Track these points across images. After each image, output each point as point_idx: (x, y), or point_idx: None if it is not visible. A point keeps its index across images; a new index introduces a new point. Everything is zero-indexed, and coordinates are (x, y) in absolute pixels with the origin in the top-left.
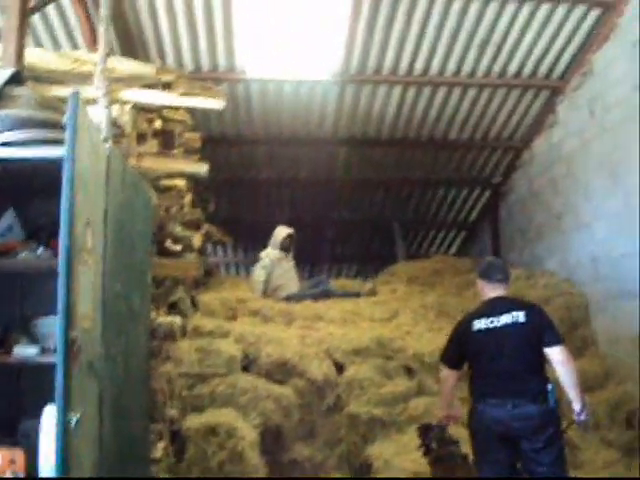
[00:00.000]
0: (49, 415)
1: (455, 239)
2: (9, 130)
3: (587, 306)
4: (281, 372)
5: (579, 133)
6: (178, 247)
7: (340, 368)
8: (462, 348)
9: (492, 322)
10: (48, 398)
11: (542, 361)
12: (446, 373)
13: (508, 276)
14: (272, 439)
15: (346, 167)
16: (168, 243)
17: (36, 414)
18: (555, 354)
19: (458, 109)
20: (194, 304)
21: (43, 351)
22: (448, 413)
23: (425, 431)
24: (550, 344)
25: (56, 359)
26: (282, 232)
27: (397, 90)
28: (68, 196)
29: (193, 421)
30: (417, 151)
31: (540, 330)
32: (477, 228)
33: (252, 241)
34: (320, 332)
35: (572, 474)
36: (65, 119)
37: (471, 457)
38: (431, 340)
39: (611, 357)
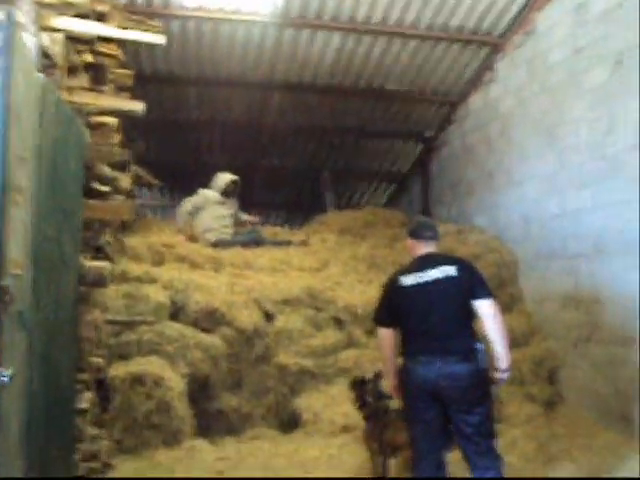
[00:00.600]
0: None
1: (385, 191)
2: None
3: (516, 264)
4: (209, 320)
5: (517, 92)
6: (106, 188)
7: (269, 318)
8: (392, 305)
9: (421, 277)
10: None
11: (472, 318)
12: (382, 333)
13: (437, 234)
14: (199, 389)
15: (280, 112)
16: (95, 184)
17: None
18: (485, 308)
19: (398, 60)
20: (120, 248)
21: None
22: (395, 381)
23: (360, 385)
24: (480, 298)
25: None
26: (226, 177)
27: (337, 37)
28: (1, 128)
29: (119, 370)
30: (353, 100)
31: (470, 285)
32: (407, 181)
33: (180, 184)
34: (249, 280)
35: (496, 428)
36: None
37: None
38: (362, 292)
39: (536, 315)
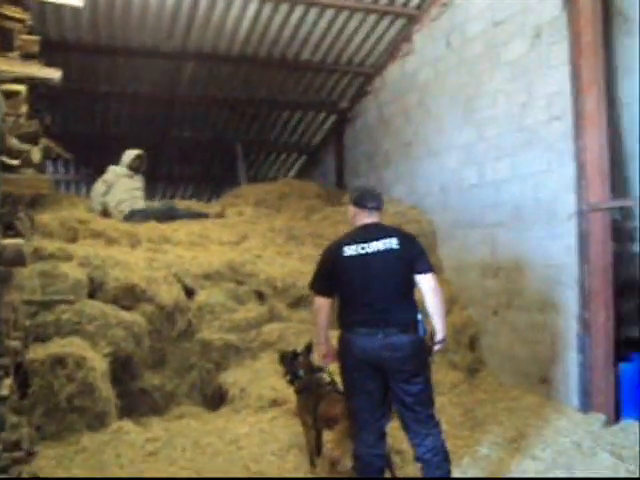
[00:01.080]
0: None
1: (295, 162)
2: None
3: (435, 234)
4: (129, 297)
5: (434, 64)
6: (15, 162)
7: (190, 293)
8: (332, 275)
9: (363, 248)
10: None
11: (413, 289)
12: (319, 302)
13: (381, 204)
14: (122, 368)
15: (191, 83)
16: (4, 157)
17: None
18: (426, 281)
19: (313, 30)
20: (31, 225)
21: None
22: (327, 349)
23: (290, 358)
24: (422, 271)
25: None
26: (132, 153)
27: (253, 5)
28: None
29: (37, 352)
30: (267, 71)
31: (412, 257)
32: (320, 152)
33: (87, 157)
34: (168, 255)
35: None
36: None
37: (338, 385)
38: (282, 264)
39: (456, 284)
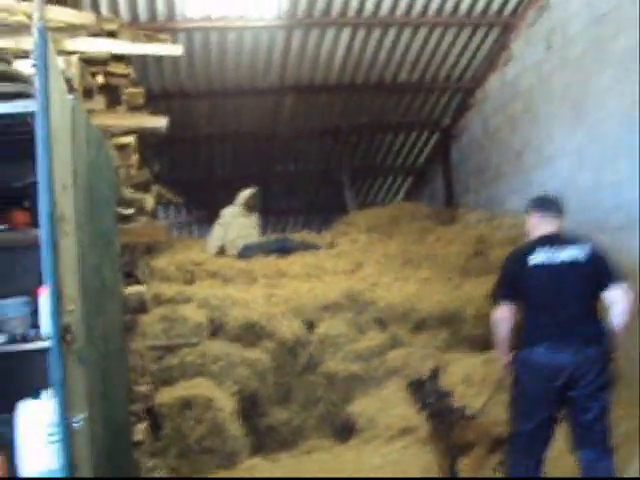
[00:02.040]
0: (26, 412)
1: (402, 185)
2: None
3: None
4: (250, 335)
5: (536, 68)
6: (130, 211)
7: (310, 325)
8: (517, 283)
9: (549, 258)
10: (12, 390)
11: (597, 300)
12: (501, 312)
13: (563, 210)
14: (248, 406)
15: (292, 117)
16: (119, 207)
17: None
18: (616, 294)
19: (408, 50)
20: (149, 271)
21: (11, 339)
22: (508, 359)
23: (417, 386)
24: (611, 283)
25: (51, 348)
26: (246, 192)
27: (346, 32)
28: (45, 155)
29: (165, 396)
30: (365, 96)
31: (599, 268)
32: (426, 172)
33: (196, 199)
34: (285, 289)
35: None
36: (33, 61)
37: (469, 409)
38: (400, 289)
39: None
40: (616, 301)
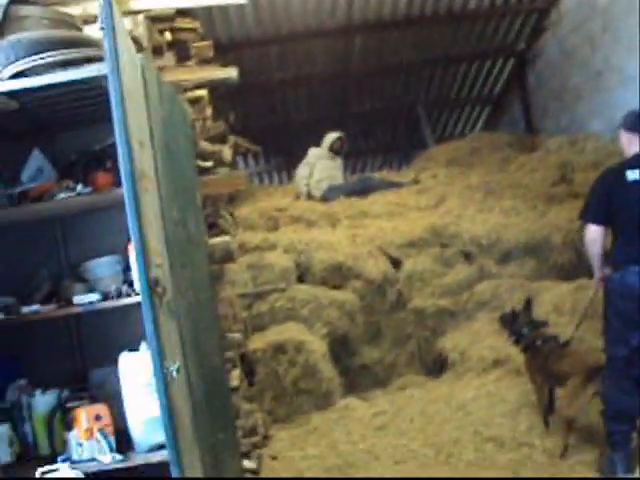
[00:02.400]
0: (126, 364)
1: (480, 115)
2: (28, 55)
3: None
4: (337, 277)
5: None
6: (209, 163)
7: (396, 263)
8: (611, 201)
9: None
10: (112, 345)
11: None
12: (593, 232)
13: None
14: (340, 347)
15: (363, 55)
16: (198, 160)
17: (102, 363)
18: None
19: None
20: (233, 220)
21: (104, 297)
22: (602, 274)
23: (512, 318)
24: None
25: (142, 301)
26: (332, 135)
27: None
28: (120, 115)
29: (258, 342)
30: (436, 28)
31: None
32: (503, 100)
33: (273, 147)
34: (369, 229)
35: None
36: (101, 24)
37: (562, 338)
38: (484, 221)
39: None
40: None
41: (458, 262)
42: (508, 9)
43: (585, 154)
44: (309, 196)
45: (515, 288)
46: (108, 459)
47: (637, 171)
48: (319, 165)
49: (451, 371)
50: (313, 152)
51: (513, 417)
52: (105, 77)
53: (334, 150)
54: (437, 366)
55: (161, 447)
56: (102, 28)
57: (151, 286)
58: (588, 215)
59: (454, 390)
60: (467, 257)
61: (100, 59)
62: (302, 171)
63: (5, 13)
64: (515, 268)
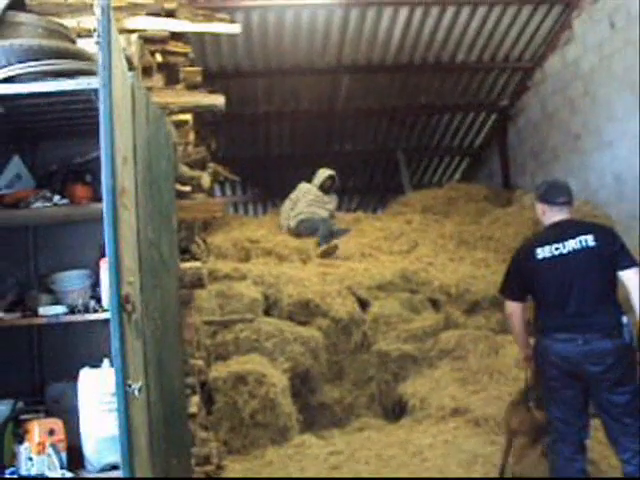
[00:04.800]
0: (86, 380)
1: (459, 165)
2: (21, 62)
3: (612, 227)
4: (304, 313)
5: (598, 49)
6: (187, 188)
7: (364, 305)
8: (525, 279)
9: (557, 249)
10: (73, 359)
11: (615, 290)
12: (510, 307)
13: (572, 198)
14: (300, 383)
15: (349, 96)
16: (176, 184)
17: (61, 377)
18: (631, 278)
19: (466, 30)
20: (205, 247)
21: (71, 310)
22: (527, 353)
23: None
24: (625, 267)
25: (111, 316)
26: (324, 173)
27: (404, 12)
28: (108, 129)
29: (219, 370)
30: (423, 76)
31: (612, 253)
32: (483, 153)
33: (252, 178)
34: (340, 268)
35: None
36: (97, 38)
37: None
38: (455, 270)
39: None
40: (633, 285)
41: (425, 309)
42: (495, 65)
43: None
44: (289, 230)
45: (480, 339)
46: (57, 476)
47: (547, 248)
48: (303, 200)
49: (410, 417)
50: (301, 187)
51: (468, 466)
52: (94, 90)
53: (324, 188)
54: (396, 410)
55: (113, 467)
56: (98, 42)
57: (121, 302)
58: (505, 291)
59: (411, 436)
60: (435, 305)
61: (91, 72)
62: (286, 205)
63: (0, 18)
64: (481, 319)
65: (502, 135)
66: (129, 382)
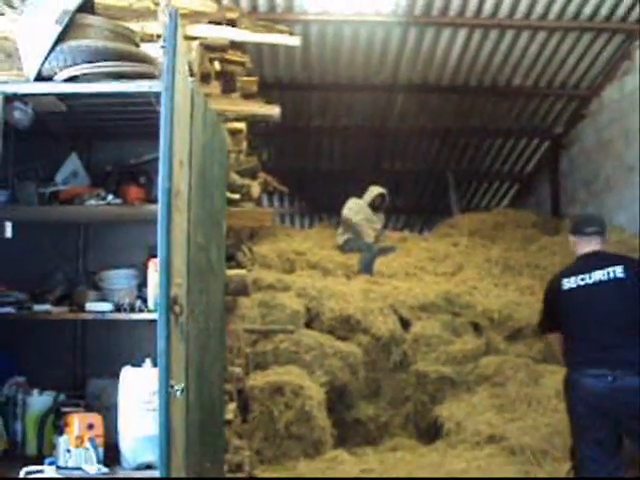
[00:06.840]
0: (129, 378)
1: (508, 191)
2: (85, 62)
3: None
4: (344, 328)
5: None
6: (236, 196)
7: (406, 324)
8: (554, 310)
9: (583, 279)
10: (115, 357)
11: None
12: (551, 338)
13: (604, 229)
14: (337, 398)
15: (402, 115)
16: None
17: (102, 373)
18: None
19: (524, 54)
20: (251, 256)
21: (117, 308)
22: None
23: None
24: None
25: (158, 317)
26: (375, 190)
27: (462, 33)
28: (168, 132)
29: (257, 379)
30: (478, 99)
31: None
32: (533, 180)
33: (300, 190)
34: (384, 286)
35: None
36: (162, 42)
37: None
38: (499, 296)
39: None
40: None
41: (467, 332)
42: (551, 92)
43: (608, 245)
44: (339, 247)
45: (520, 367)
46: (94, 470)
47: (572, 278)
48: (353, 219)
49: (444, 440)
50: (351, 205)
51: None
52: (155, 94)
53: (374, 206)
54: (431, 432)
55: (148, 467)
56: (163, 46)
57: (170, 303)
58: (539, 325)
59: (445, 459)
60: (476, 329)
61: (151, 76)
62: (339, 229)
63: (70, 19)
64: (523, 347)
65: (554, 163)
66: (172, 383)
